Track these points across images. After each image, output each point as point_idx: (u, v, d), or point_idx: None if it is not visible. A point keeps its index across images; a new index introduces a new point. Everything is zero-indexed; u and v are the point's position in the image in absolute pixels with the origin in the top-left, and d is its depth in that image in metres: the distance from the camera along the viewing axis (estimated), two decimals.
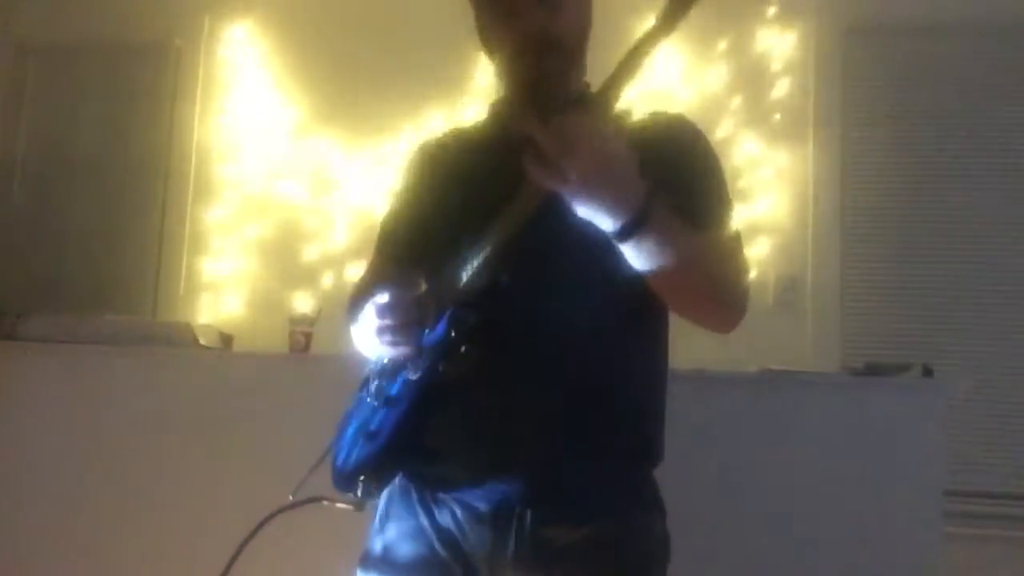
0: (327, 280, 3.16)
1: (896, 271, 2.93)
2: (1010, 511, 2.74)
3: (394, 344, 1.14)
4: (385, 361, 1.23)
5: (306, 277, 3.16)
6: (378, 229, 1.43)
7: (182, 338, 2.35)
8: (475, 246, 1.12)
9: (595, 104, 1.07)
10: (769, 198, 2.97)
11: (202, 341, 2.37)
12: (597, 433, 1.19)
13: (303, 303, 3.00)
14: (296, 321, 2.44)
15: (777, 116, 3.02)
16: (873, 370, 2.00)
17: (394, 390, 1.19)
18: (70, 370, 2.29)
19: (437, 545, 1.20)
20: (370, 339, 1.18)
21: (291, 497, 1.24)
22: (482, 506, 1.18)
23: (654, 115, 1.31)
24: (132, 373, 2.28)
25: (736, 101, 3.03)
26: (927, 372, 1.96)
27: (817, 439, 1.92)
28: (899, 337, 2.89)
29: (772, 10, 3.06)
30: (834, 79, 3.02)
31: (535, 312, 1.16)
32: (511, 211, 1.10)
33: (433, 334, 1.15)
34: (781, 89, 3.03)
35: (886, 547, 1.84)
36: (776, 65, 3.05)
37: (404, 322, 1.12)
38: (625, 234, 1.03)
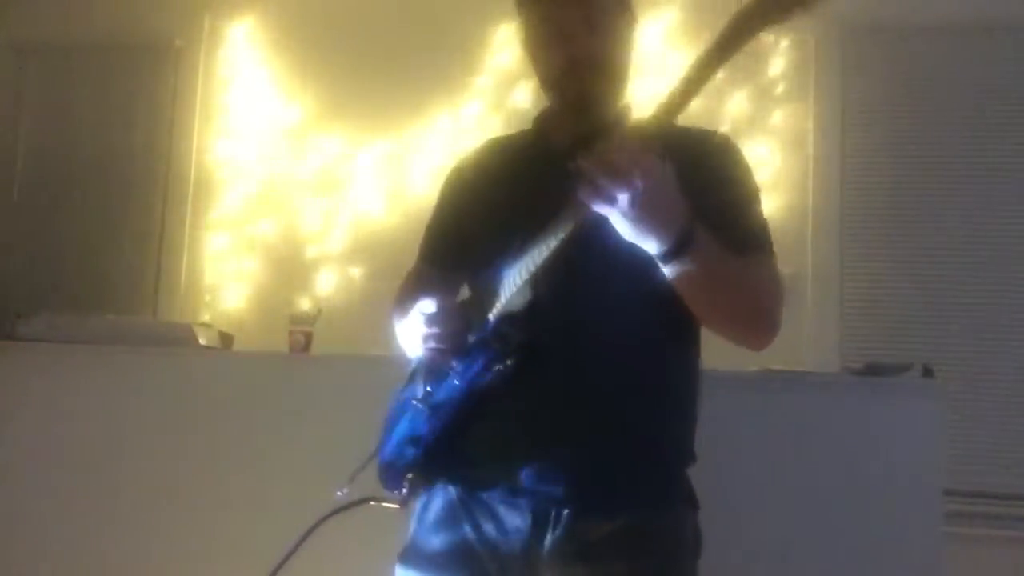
0: (327, 280, 3.16)
1: (895, 271, 2.94)
2: (1010, 511, 2.75)
3: (438, 352, 1.22)
4: (429, 363, 1.29)
5: (306, 277, 3.17)
6: (423, 234, 1.47)
7: (182, 338, 2.35)
8: (518, 260, 1.16)
9: (644, 129, 1.08)
10: (769, 198, 2.96)
11: (202, 341, 2.37)
12: (631, 436, 1.22)
13: (303, 303, 3.00)
14: (296, 321, 2.43)
15: (777, 116, 3.02)
16: (873, 370, 2.00)
17: (439, 396, 1.26)
18: (70, 370, 2.29)
19: (475, 545, 1.22)
20: (415, 343, 1.25)
21: (340, 493, 1.30)
22: (522, 503, 1.21)
23: (688, 128, 1.32)
24: (132, 373, 2.27)
25: (736, 101, 3.03)
26: (927, 372, 1.95)
27: (817, 439, 1.92)
28: (899, 337, 2.89)
29: None
30: (834, 79, 3.02)
31: (575, 327, 1.20)
32: (554, 229, 1.12)
33: (476, 343, 1.21)
34: (781, 89, 3.04)
35: (886, 547, 1.84)
36: (776, 65, 3.05)
37: (448, 331, 1.20)
38: (669, 256, 1.07)
